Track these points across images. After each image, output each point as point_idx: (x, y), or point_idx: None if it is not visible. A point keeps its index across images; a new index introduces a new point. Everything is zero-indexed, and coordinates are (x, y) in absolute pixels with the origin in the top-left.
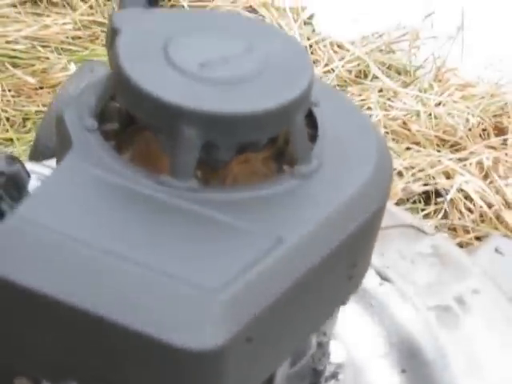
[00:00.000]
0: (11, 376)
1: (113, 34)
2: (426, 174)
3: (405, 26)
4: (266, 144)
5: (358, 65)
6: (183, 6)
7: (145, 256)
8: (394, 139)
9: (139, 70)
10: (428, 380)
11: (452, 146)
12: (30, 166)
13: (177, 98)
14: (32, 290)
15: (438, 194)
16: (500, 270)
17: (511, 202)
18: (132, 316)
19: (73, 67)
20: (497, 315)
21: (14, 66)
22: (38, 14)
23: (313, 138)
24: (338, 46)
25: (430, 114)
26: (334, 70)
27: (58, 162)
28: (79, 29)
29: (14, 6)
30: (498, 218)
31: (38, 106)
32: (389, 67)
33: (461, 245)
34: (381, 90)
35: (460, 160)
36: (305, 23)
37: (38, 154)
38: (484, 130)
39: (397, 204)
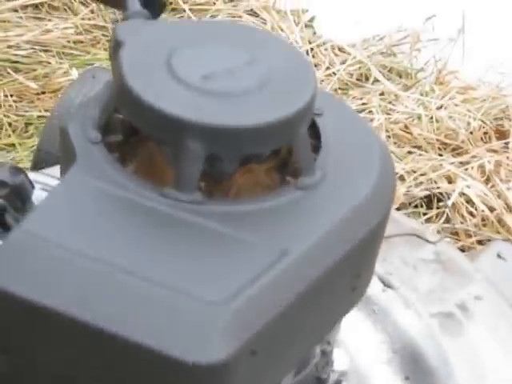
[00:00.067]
0: None
1: (116, 46)
2: (427, 178)
3: (406, 29)
4: (270, 155)
5: (359, 68)
6: (184, 10)
7: (148, 269)
8: (395, 143)
9: (143, 82)
10: None
11: (454, 149)
12: (33, 175)
13: (180, 111)
14: (34, 302)
15: (439, 198)
16: (502, 275)
17: None
18: (135, 330)
19: (74, 72)
20: (499, 322)
21: (16, 70)
22: (40, 19)
23: (316, 148)
24: (339, 49)
25: (432, 118)
26: (335, 74)
27: (62, 174)
28: (80, 33)
29: (16, 10)
30: (500, 221)
31: (40, 111)
32: (390, 70)
33: (463, 249)
34: (382, 94)
35: (462, 164)
36: (306, 26)
37: (40, 161)
38: (485, 133)
39: (398, 209)
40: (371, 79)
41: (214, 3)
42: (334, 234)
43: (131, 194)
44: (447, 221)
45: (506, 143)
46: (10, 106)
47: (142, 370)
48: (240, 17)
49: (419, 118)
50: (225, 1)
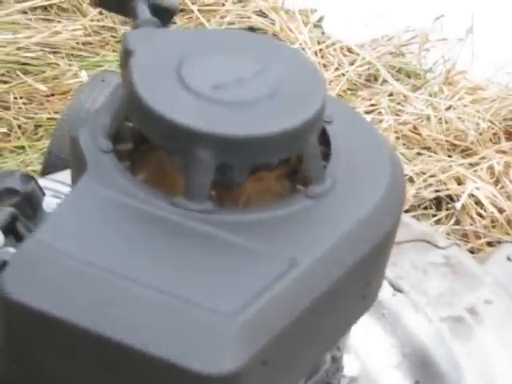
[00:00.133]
0: None
1: (126, 55)
2: (437, 179)
3: (414, 29)
4: (280, 162)
5: (368, 69)
6: (192, 11)
7: (159, 280)
8: (404, 144)
9: (153, 91)
10: None
11: (463, 150)
12: (43, 182)
13: (191, 121)
14: (47, 314)
15: (449, 199)
16: None
17: None
18: (148, 341)
19: (84, 74)
20: (509, 326)
21: (25, 73)
22: (49, 21)
23: (326, 156)
24: (348, 50)
25: (441, 119)
26: (344, 75)
27: (73, 183)
28: (89, 34)
29: (25, 12)
30: (509, 223)
31: (50, 113)
32: (399, 70)
33: (472, 251)
34: (391, 94)
35: (471, 165)
36: (314, 26)
37: (50, 164)
38: (495, 134)
39: (408, 211)
40: (380, 80)
41: (223, 4)
42: (344, 244)
43: (141, 204)
44: (457, 222)
45: None
46: (20, 108)
47: (154, 380)
48: (249, 17)
49: (428, 118)
50: (233, 1)
